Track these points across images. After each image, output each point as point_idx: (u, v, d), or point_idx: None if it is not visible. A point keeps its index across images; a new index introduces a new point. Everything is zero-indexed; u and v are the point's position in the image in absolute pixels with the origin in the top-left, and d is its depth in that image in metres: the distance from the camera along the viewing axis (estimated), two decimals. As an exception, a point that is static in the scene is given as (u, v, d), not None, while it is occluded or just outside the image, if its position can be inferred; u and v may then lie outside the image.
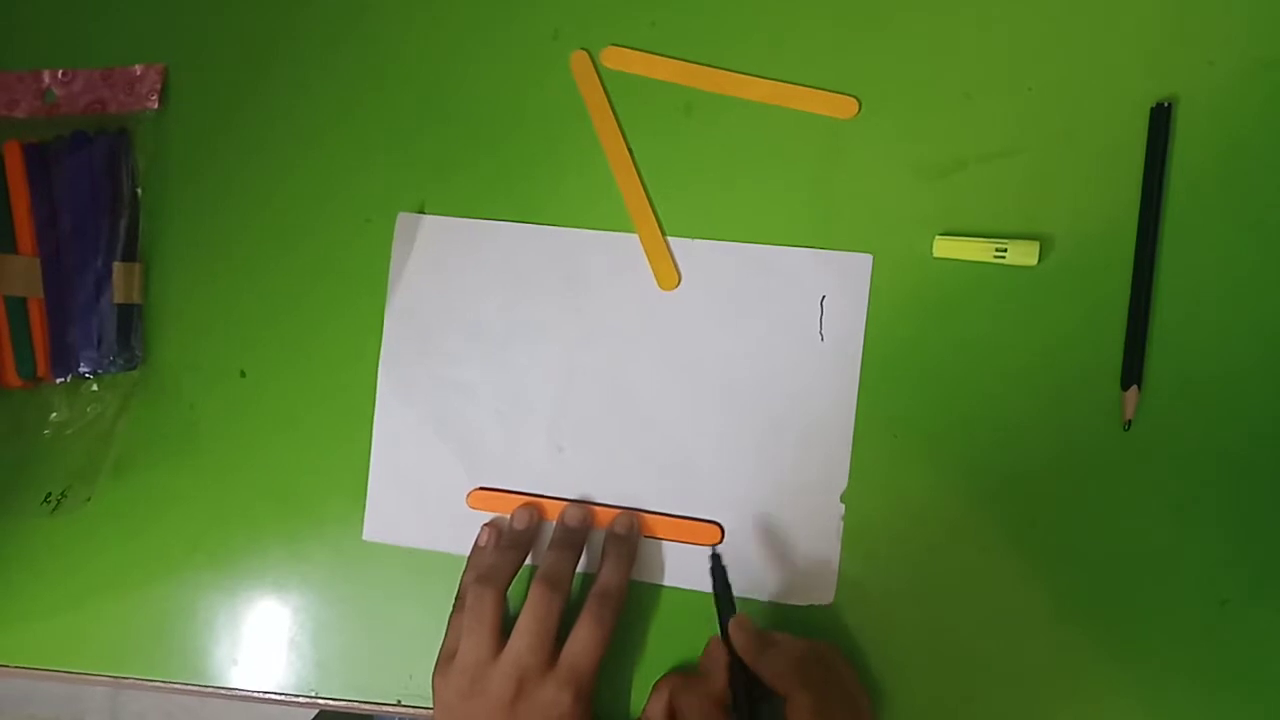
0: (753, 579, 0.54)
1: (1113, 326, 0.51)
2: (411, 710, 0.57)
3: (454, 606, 0.54)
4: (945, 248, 0.52)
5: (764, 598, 0.53)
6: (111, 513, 0.60)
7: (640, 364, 0.55)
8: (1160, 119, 0.51)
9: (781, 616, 0.53)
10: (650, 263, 0.55)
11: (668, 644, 0.55)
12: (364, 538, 0.57)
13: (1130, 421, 0.50)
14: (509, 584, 0.53)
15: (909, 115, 0.54)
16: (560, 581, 0.52)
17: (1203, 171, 0.51)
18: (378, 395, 0.58)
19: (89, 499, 0.59)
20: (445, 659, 0.52)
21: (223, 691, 0.59)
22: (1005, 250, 0.51)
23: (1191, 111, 0.51)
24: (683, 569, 0.54)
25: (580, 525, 0.55)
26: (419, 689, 0.57)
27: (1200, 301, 0.50)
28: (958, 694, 0.52)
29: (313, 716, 0.90)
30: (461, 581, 0.55)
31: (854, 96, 0.54)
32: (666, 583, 0.55)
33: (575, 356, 0.56)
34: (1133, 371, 0.50)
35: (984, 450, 0.52)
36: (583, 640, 0.51)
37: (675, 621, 0.55)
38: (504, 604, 0.52)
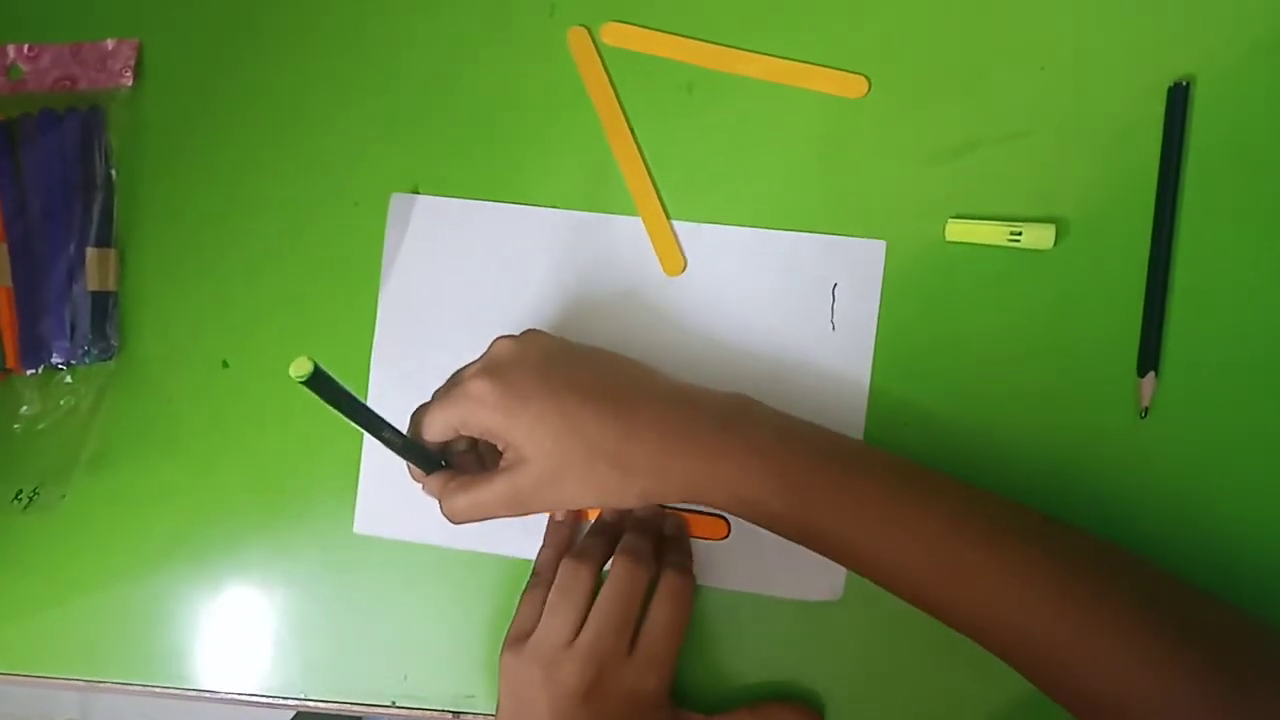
0: (762, 575, 0.52)
1: (1129, 311, 0.50)
2: (406, 712, 0.55)
3: (529, 583, 0.52)
4: (958, 231, 0.51)
5: (773, 594, 0.52)
6: (87, 511, 0.58)
7: (643, 348, 0.53)
8: (1177, 99, 0.50)
9: (790, 612, 0.52)
10: (654, 247, 0.53)
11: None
12: (355, 530, 0.56)
13: (1147, 409, 0.50)
14: (603, 566, 0.50)
15: (920, 95, 0.52)
16: (645, 556, 0.49)
17: (1221, 152, 0.50)
18: (370, 382, 0.56)
19: (63, 496, 0.57)
20: (518, 637, 0.49)
21: (206, 694, 0.58)
22: (1020, 233, 0.50)
23: (1209, 91, 0.50)
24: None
25: (653, 513, 0.53)
26: (414, 689, 0.55)
27: (1219, 286, 0.50)
28: (967, 690, 0.51)
29: (290, 718, 0.87)
30: (539, 557, 0.53)
31: (863, 75, 0.53)
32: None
33: (574, 340, 0.53)
34: (1149, 358, 0.49)
35: (997, 440, 0.51)
36: (662, 622, 0.49)
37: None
38: (596, 588, 0.49)
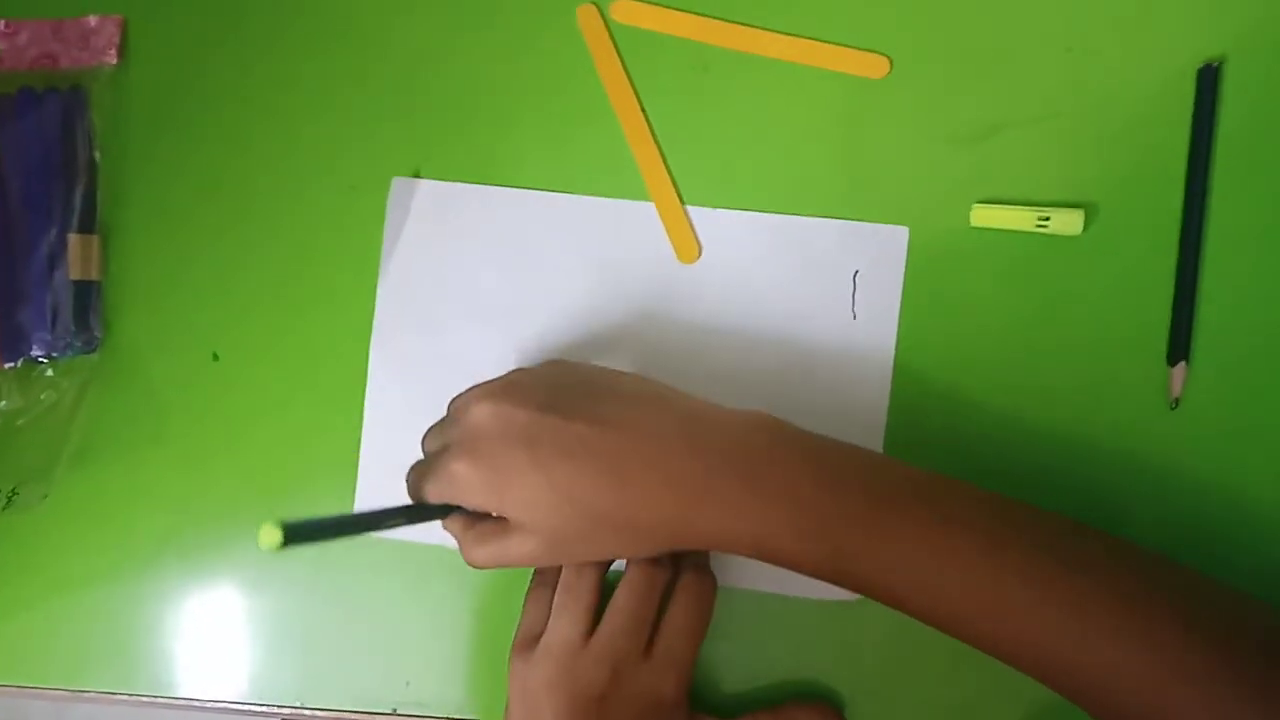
0: (777, 573, 0.50)
1: (1159, 299, 0.49)
2: (408, 719, 0.53)
3: (532, 582, 0.50)
4: (983, 216, 0.50)
5: (788, 593, 0.51)
6: (70, 510, 0.56)
7: (657, 341, 0.52)
8: (1207, 80, 0.49)
9: (809, 612, 0.51)
10: (668, 233, 0.52)
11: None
12: (354, 526, 0.54)
13: (1178, 399, 0.48)
14: (610, 563, 0.48)
15: (943, 75, 0.51)
16: (663, 555, 0.47)
17: (1252, 135, 0.49)
18: (370, 371, 0.54)
19: (45, 495, 0.56)
20: (526, 641, 0.47)
21: (195, 704, 0.56)
22: (1048, 219, 0.49)
23: (1240, 73, 0.49)
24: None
25: None
26: (417, 696, 0.53)
27: (1250, 272, 0.49)
28: (987, 690, 0.50)
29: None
30: None
31: (885, 55, 0.51)
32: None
33: (583, 333, 0.53)
34: (1180, 347, 0.48)
35: (1023, 431, 0.50)
36: (680, 622, 0.47)
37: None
38: (604, 584, 0.48)
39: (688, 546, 0.43)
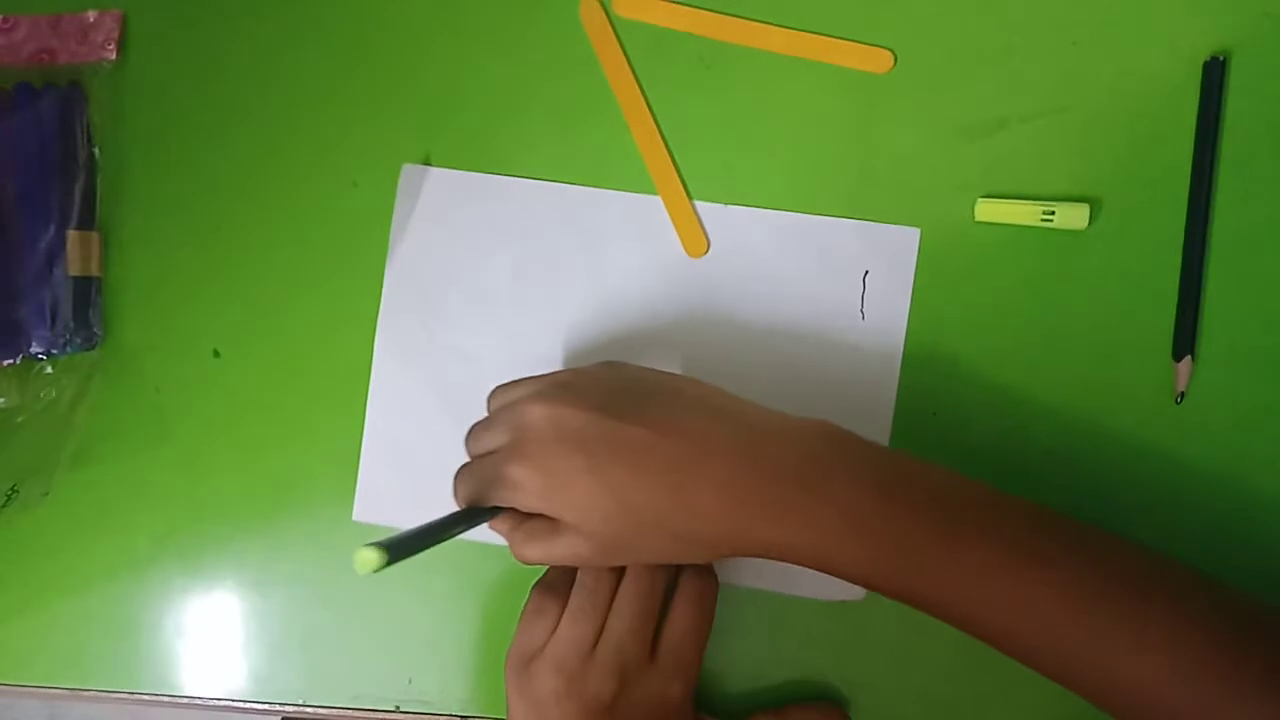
0: (782, 574, 0.50)
1: (1164, 294, 0.49)
2: (411, 717, 0.53)
3: (535, 595, 0.47)
4: (988, 211, 0.49)
5: (794, 593, 0.51)
6: (70, 508, 0.55)
7: (663, 336, 0.52)
8: (1214, 74, 0.48)
9: (812, 613, 0.51)
10: (676, 227, 0.51)
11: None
12: (354, 519, 0.54)
13: (1183, 394, 0.48)
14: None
15: (947, 70, 0.51)
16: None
17: (1258, 129, 0.49)
18: (374, 361, 0.54)
19: (46, 493, 0.55)
20: (531, 649, 0.46)
21: (196, 702, 0.55)
22: (1053, 213, 0.48)
23: (1246, 66, 0.49)
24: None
25: None
26: (419, 693, 0.53)
27: (1256, 267, 0.48)
28: (991, 690, 0.49)
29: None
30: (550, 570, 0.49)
31: (888, 49, 0.51)
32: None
33: (591, 326, 0.52)
34: (1185, 341, 0.48)
35: (1028, 428, 0.49)
36: (684, 625, 0.46)
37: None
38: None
39: (744, 555, 0.42)
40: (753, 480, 0.41)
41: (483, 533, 0.51)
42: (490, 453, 0.44)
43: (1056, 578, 0.39)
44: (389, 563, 0.37)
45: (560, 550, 0.43)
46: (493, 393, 0.47)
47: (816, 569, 0.41)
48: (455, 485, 0.46)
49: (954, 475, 0.42)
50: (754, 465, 0.41)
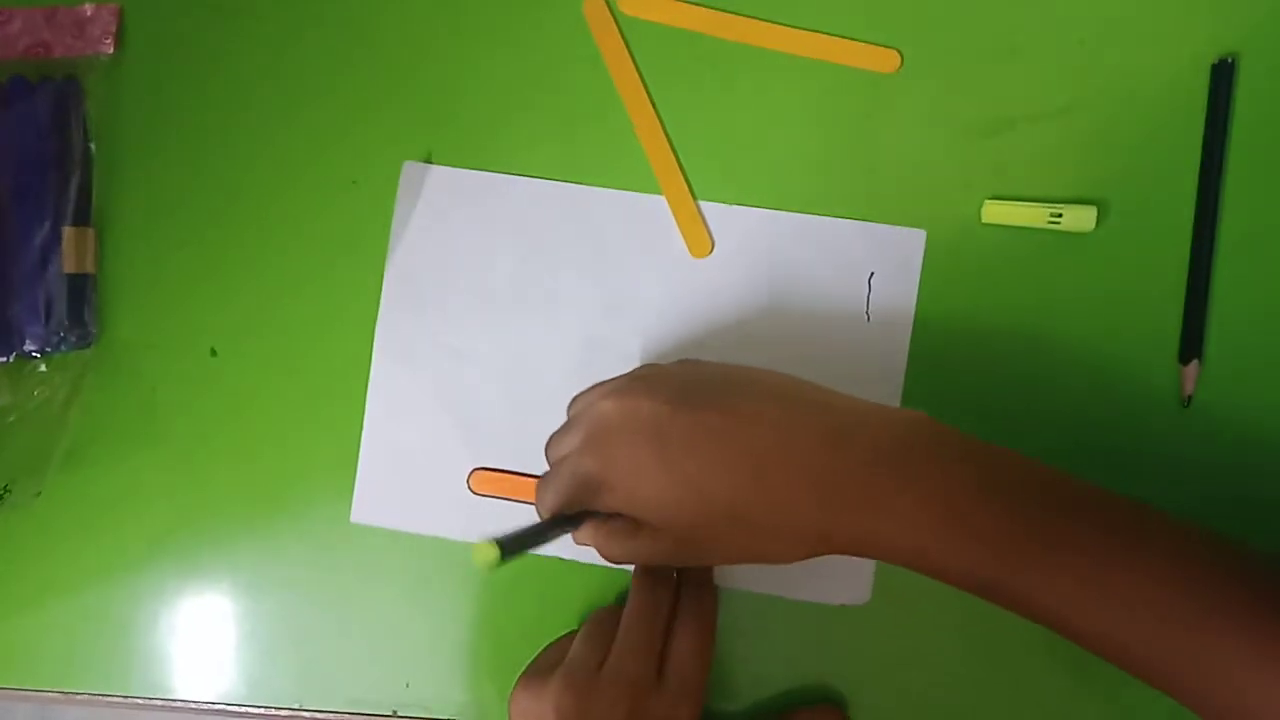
0: (787, 578, 0.50)
1: (1172, 297, 0.49)
2: (408, 721, 0.52)
3: (595, 618, 0.47)
4: (995, 213, 0.49)
5: (798, 597, 0.50)
6: (63, 509, 0.55)
7: (666, 336, 0.51)
8: (1222, 76, 0.48)
9: (816, 616, 0.50)
10: (680, 227, 0.51)
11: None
12: (352, 520, 0.53)
13: (1190, 398, 0.48)
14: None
15: (954, 70, 0.51)
16: (662, 571, 0.46)
17: (1267, 131, 0.48)
18: (373, 360, 0.53)
19: (38, 493, 0.55)
20: (546, 667, 0.45)
21: (190, 706, 0.55)
22: (1060, 215, 0.48)
23: (1254, 68, 0.49)
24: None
25: None
26: (417, 697, 0.52)
27: (1264, 270, 0.48)
28: (994, 694, 0.49)
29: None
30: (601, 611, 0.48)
31: (895, 49, 0.51)
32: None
33: (593, 326, 0.52)
34: (1193, 345, 0.48)
35: (1034, 431, 0.49)
36: (688, 645, 0.45)
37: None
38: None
39: (835, 552, 0.40)
40: (844, 468, 0.39)
41: (482, 532, 0.51)
42: (566, 456, 0.44)
43: (1164, 579, 0.37)
44: (502, 560, 0.37)
45: (642, 551, 0.41)
46: (572, 400, 0.47)
47: (907, 565, 0.39)
48: (536, 494, 0.45)
49: (1060, 472, 0.40)
50: (845, 453, 0.39)
